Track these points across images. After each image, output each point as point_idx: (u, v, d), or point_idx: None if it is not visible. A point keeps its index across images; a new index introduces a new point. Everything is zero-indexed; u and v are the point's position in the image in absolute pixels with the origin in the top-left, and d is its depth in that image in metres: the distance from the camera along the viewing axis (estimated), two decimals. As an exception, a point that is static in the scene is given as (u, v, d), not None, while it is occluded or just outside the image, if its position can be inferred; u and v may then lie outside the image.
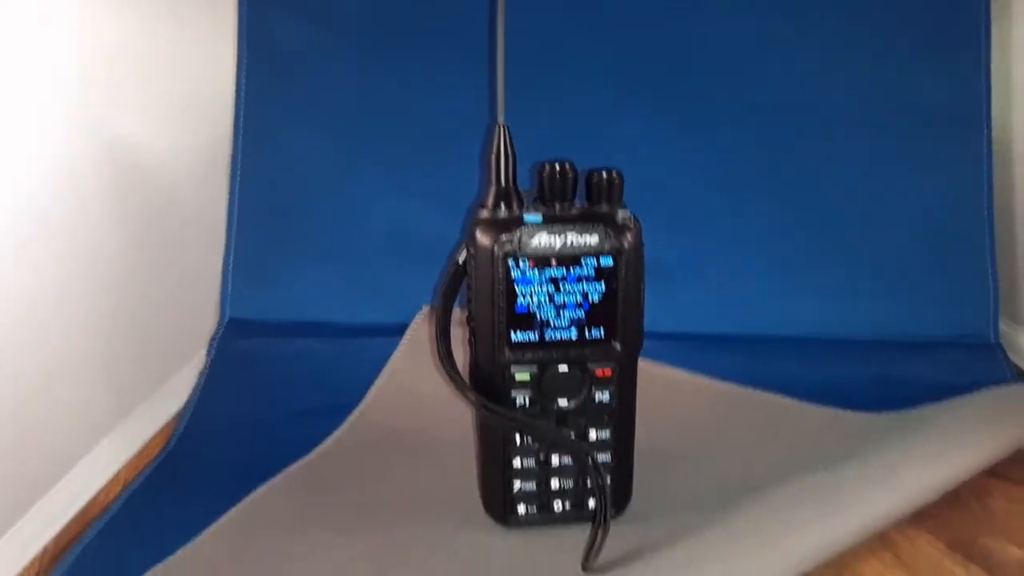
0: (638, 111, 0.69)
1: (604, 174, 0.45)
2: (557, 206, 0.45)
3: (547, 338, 0.46)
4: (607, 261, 0.44)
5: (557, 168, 0.45)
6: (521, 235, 0.44)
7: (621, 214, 0.45)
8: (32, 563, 0.51)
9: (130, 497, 0.54)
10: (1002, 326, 0.67)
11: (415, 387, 0.62)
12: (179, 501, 0.54)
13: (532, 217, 0.44)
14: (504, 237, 0.44)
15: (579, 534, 0.47)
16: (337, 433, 0.60)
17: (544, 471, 0.49)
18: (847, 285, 0.68)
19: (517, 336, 0.46)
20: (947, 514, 0.49)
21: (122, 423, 0.60)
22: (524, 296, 0.45)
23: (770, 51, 0.69)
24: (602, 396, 0.47)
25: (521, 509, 0.49)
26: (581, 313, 0.45)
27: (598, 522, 0.46)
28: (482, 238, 0.44)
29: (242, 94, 0.70)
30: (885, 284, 0.68)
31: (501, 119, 0.45)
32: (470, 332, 0.47)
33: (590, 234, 0.44)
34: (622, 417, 0.48)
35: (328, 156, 0.70)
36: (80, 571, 0.48)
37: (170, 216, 0.66)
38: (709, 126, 0.69)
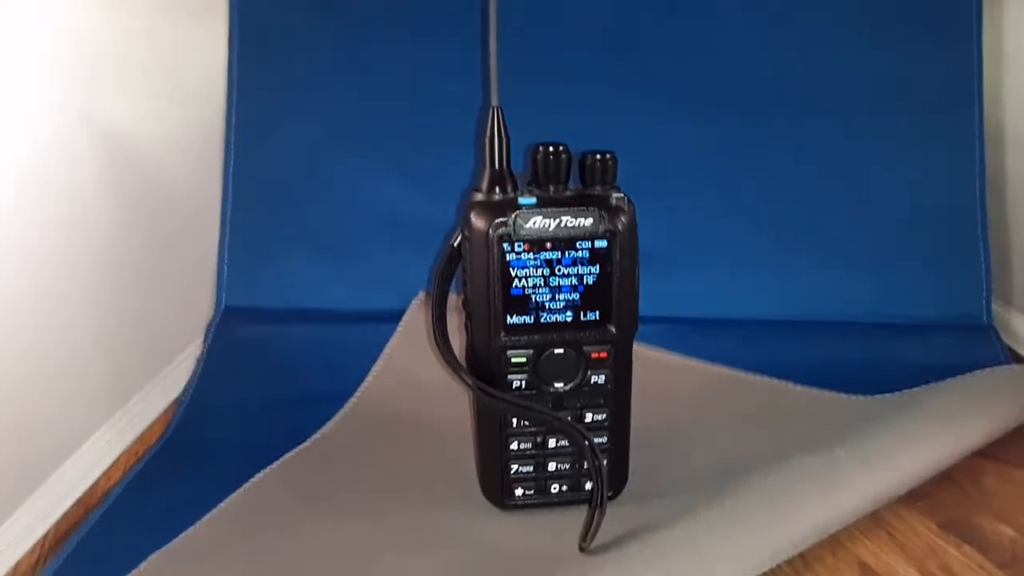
0: (632, 93, 0.69)
1: (598, 156, 0.45)
2: (551, 189, 0.45)
3: (543, 321, 0.46)
4: (601, 243, 0.44)
5: (551, 150, 0.45)
6: (516, 218, 0.44)
7: (615, 196, 0.45)
8: (34, 548, 0.51)
9: (131, 483, 0.54)
10: (995, 308, 0.67)
11: (413, 372, 0.63)
12: (179, 486, 0.54)
13: (527, 200, 0.44)
14: (499, 220, 0.44)
15: (576, 516, 0.48)
16: (335, 418, 0.60)
17: (541, 454, 0.49)
18: (840, 268, 0.68)
19: (513, 319, 0.46)
20: (940, 494, 0.49)
21: (121, 410, 0.61)
22: (519, 279, 0.45)
23: (763, 35, 0.69)
24: (598, 378, 0.47)
25: (518, 491, 0.50)
26: (576, 295, 0.46)
27: (595, 504, 0.46)
28: (477, 221, 0.44)
29: (235, 80, 0.70)
30: (878, 267, 0.68)
31: (495, 102, 0.45)
32: (466, 316, 0.48)
33: (584, 217, 0.44)
34: (618, 399, 0.48)
35: (323, 142, 0.70)
36: (82, 556, 0.48)
37: (166, 204, 0.66)
38: (702, 108, 0.69)
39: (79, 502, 0.55)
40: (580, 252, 0.45)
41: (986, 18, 0.67)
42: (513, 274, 0.45)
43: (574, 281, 0.45)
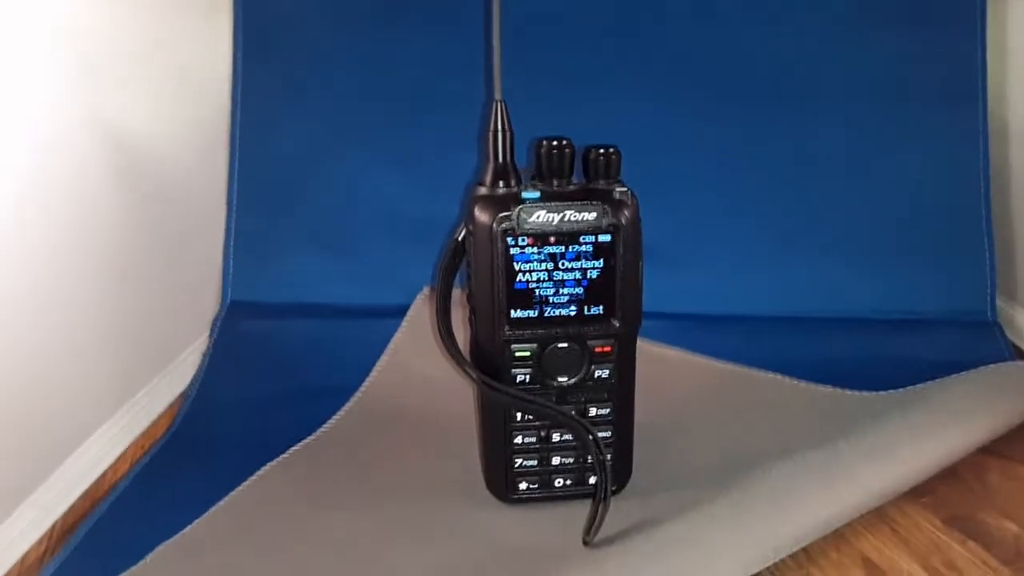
0: (635, 88, 0.69)
1: (602, 151, 0.45)
2: (555, 183, 0.46)
3: (546, 315, 0.46)
4: (605, 238, 0.45)
5: (554, 145, 0.45)
6: (520, 212, 0.44)
7: (619, 191, 0.45)
8: (41, 540, 0.52)
9: (137, 476, 0.55)
10: (999, 304, 0.67)
11: (417, 367, 0.63)
12: (186, 479, 0.54)
13: (530, 194, 0.44)
14: (503, 214, 0.44)
15: (580, 510, 0.48)
16: (341, 413, 0.60)
17: (545, 448, 0.49)
18: (844, 264, 0.68)
19: (517, 313, 0.46)
20: (945, 490, 0.49)
21: (127, 404, 0.61)
22: (523, 273, 0.45)
23: (767, 28, 0.68)
24: (601, 372, 0.48)
25: (522, 485, 0.50)
26: (580, 290, 0.46)
27: (599, 498, 0.46)
28: (481, 215, 0.44)
29: (239, 78, 0.70)
30: (882, 263, 0.68)
31: (498, 95, 0.45)
32: (470, 310, 0.48)
33: (588, 211, 0.44)
34: (622, 393, 0.48)
35: (327, 140, 0.70)
36: (89, 548, 0.49)
37: (170, 201, 0.66)
38: (706, 102, 0.69)
39: (86, 495, 0.55)
40: (584, 246, 0.45)
41: (990, 13, 0.66)
42: (517, 268, 0.45)
43: (578, 275, 0.45)
